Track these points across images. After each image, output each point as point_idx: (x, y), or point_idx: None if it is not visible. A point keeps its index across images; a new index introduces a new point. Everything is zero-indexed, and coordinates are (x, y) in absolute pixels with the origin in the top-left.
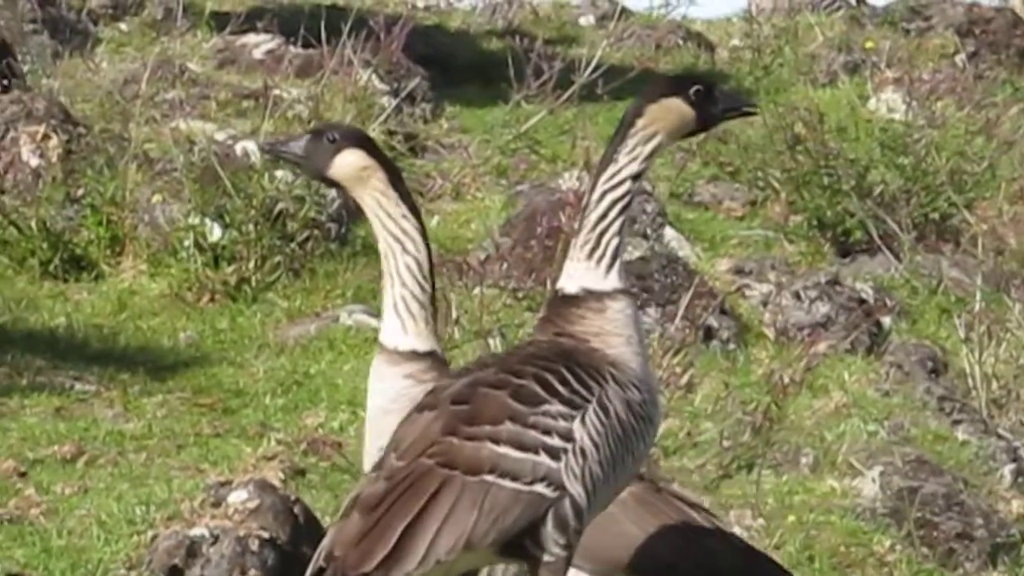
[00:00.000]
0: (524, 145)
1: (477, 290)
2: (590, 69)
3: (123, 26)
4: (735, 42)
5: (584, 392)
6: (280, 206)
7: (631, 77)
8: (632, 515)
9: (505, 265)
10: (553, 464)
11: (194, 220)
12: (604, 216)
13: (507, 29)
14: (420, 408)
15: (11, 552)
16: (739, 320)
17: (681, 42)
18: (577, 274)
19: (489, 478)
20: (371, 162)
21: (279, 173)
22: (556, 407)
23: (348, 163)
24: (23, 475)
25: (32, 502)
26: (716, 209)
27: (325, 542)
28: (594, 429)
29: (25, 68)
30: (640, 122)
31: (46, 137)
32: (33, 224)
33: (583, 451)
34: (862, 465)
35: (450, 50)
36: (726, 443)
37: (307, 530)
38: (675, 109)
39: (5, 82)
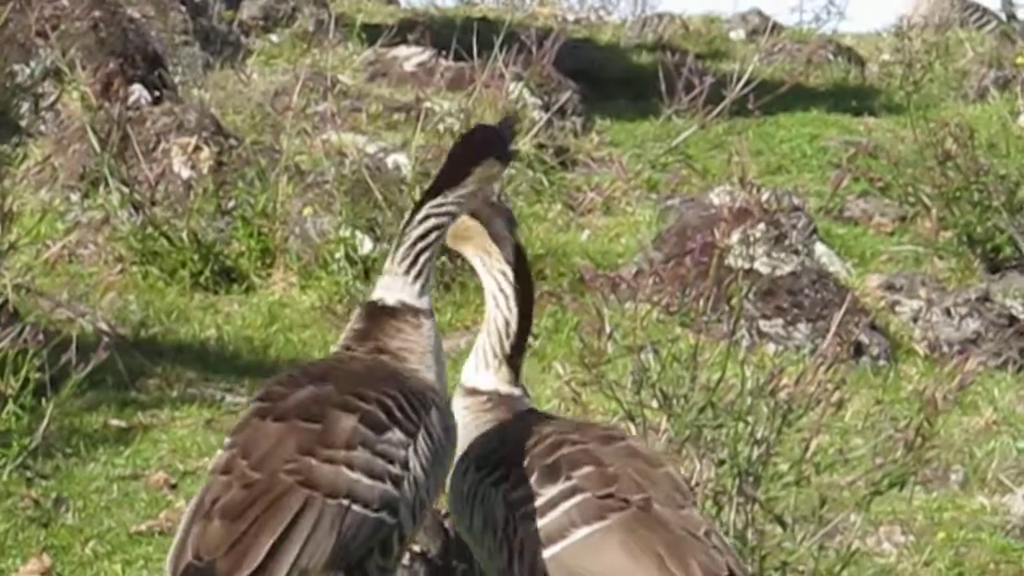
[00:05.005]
0: (675, 159)
1: (629, 304)
2: (741, 84)
3: (274, 38)
4: (885, 57)
5: (415, 419)
6: None
7: (782, 92)
8: (617, 540)
9: (657, 280)
10: (395, 492)
11: (345, 233)
12: (424, 236)
13: (657, 43)
14: (261, 414)
15: (161, 564)
16: (889, 336)
17: (831, 57)
18: (396, 287)
19: (345, 502)
20: (473, 223)
21: None
22: (397, 435)
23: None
24: (174, 487)
25: (182, 514)
26: (866, 224)
27: (187, 539)
28: (423, 456)
29: (176, 79)
30: (475, 173)
31: (197, 149)
32: (184, 236)
33: (415, 479)
34: (1012, 482)
35: (601, 64)
36: (877, 460)
37: (457, 544)
38: (494, 171)
39: (157, 93)
